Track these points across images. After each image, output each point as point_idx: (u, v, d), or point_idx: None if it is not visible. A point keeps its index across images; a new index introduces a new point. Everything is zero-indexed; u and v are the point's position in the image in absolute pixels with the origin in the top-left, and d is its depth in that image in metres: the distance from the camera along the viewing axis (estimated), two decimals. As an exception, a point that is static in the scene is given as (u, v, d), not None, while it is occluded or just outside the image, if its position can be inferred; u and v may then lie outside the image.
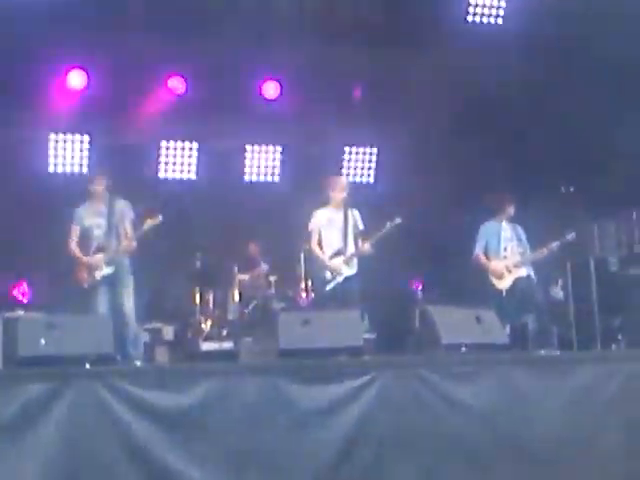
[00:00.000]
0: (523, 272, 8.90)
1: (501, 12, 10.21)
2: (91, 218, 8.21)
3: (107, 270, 8.01)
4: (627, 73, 9.64)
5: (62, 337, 5.97)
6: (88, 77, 10.55)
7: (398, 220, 8.28)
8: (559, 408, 6.38)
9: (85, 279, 8.03)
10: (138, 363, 7.64)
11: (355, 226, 8.54)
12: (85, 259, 8.08)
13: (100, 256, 8.05)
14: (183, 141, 11.52)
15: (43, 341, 5.89)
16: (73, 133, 10.93)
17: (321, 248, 8.49)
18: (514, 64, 9.93)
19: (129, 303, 8.06)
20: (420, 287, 11.72)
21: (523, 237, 9.10)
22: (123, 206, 8.29)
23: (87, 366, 5.77)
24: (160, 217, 8.01)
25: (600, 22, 9.31)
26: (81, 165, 10.94)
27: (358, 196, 9.08)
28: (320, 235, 8.51)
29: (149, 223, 8.04)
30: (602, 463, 6.30)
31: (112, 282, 8.02)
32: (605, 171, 10.24)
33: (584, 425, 6.41)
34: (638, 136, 9.78)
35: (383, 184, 11.71)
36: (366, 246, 8.36)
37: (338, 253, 8.37)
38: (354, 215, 8.58)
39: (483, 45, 9.81)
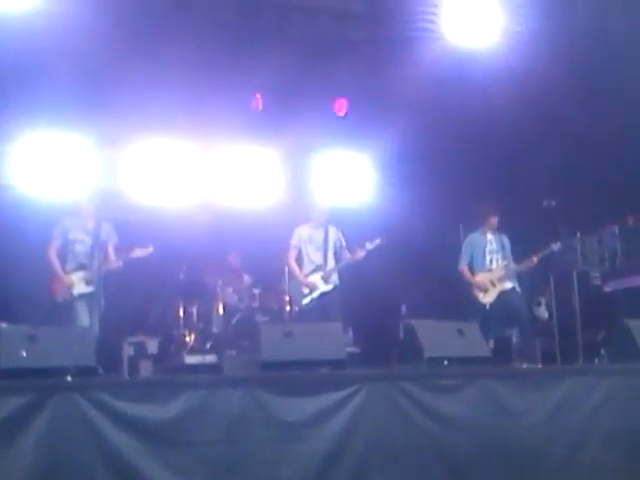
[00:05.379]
0: (508, 285, 8.92)
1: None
2: (76, 233, 8.17)
3: (86, 289, 7.97)
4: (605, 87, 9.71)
5: (44, 349, 5.94)
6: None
7: (378, 240, 8.48)
8: (541, 422, 6.41)
9: (60, 293, 8.00)
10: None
11: (336, 243, 8.71)
12: (63, 276, 8.03)
13: (81, 274, 8.02)
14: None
15: (24, 353, 5.86)
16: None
17: (302, 264, 8.69)
18: (498, 78, 9.91)
19: (96, 322, 7.89)
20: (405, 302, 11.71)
21: (508, 248, 9.10)
22: (108, 229, 8.26)
23: (68, 378, 5.75)
24: (151, 248, 8.03)
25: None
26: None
27: (340, 213, 9.13)
28: (301, 252, 8.71)
29: (138, 253, 8.05)
30: (584, 476, 6.33)
31: (89, 301, 7.90)
32: (587, 186, 10.29)
33: (566, 439, 6.44)
34: (620, 151, 9.87)
35: (367, 200, 11.67)
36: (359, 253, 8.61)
37: (317, 269, 8.58)
38: (335, 232, 8.75)
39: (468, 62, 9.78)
